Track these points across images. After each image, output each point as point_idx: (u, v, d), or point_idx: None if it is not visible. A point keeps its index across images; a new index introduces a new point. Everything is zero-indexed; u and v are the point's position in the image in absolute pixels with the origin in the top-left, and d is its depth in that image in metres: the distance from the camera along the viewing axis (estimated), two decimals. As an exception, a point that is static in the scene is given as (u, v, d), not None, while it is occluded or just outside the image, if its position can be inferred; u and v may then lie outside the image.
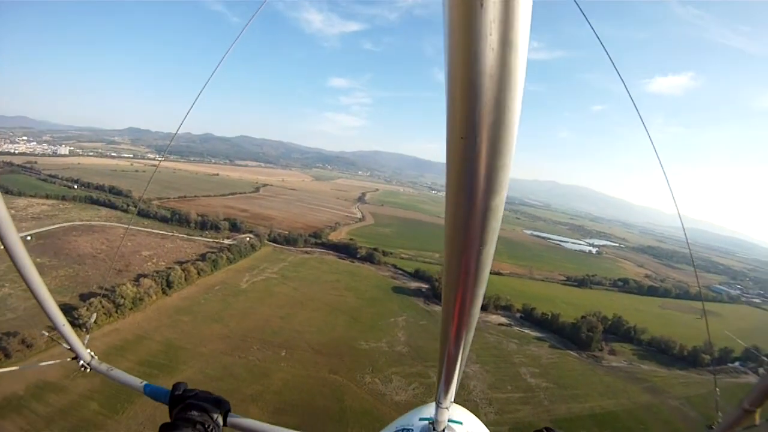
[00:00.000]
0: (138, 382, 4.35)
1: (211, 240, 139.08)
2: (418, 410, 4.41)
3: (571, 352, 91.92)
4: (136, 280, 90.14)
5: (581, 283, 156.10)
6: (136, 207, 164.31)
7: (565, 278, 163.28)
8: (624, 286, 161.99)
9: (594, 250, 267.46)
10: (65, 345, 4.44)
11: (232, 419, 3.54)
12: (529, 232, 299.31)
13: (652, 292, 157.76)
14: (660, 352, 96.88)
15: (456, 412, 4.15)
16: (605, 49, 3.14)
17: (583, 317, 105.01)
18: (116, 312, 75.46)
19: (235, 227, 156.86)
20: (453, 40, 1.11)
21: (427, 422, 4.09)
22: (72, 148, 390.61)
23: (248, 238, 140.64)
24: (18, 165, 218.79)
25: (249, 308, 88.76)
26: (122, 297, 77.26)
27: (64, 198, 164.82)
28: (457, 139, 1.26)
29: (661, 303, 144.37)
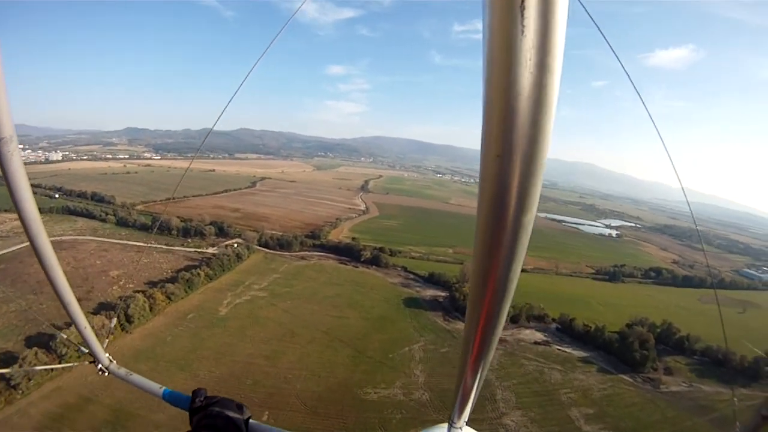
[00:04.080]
0: (157, 387, 4.66)
1: (193, 250, 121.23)
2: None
3: (625, 377, 76.10)
4: (95, 312, 73.28)
5: (612, 276, 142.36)
6: (115, 216, 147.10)
7: (594, 271, 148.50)
8: (657, 277, 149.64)
9: (614, 233, 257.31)
10: (84, 348, 4.87)
11: (253, 426, 3.45)
12: (543, 215, 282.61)
13: (687, 282, 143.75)
14: (717, 364, 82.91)
15: None
16: (597, 26, 3.02)
17: (629, 326, 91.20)
18: (59, 363, 57.74)
19: (222, 232, 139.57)
20: (493, 65, 1.18)
21: None
22: (67, 153, 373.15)
23: (235, 245, 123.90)
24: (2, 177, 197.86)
25: (226, 346, 70.32)
26: (64, 345, 59.67)
27: (40, 210, 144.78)
28: (492, 157, 1.31)
29: (700, 296, 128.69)
